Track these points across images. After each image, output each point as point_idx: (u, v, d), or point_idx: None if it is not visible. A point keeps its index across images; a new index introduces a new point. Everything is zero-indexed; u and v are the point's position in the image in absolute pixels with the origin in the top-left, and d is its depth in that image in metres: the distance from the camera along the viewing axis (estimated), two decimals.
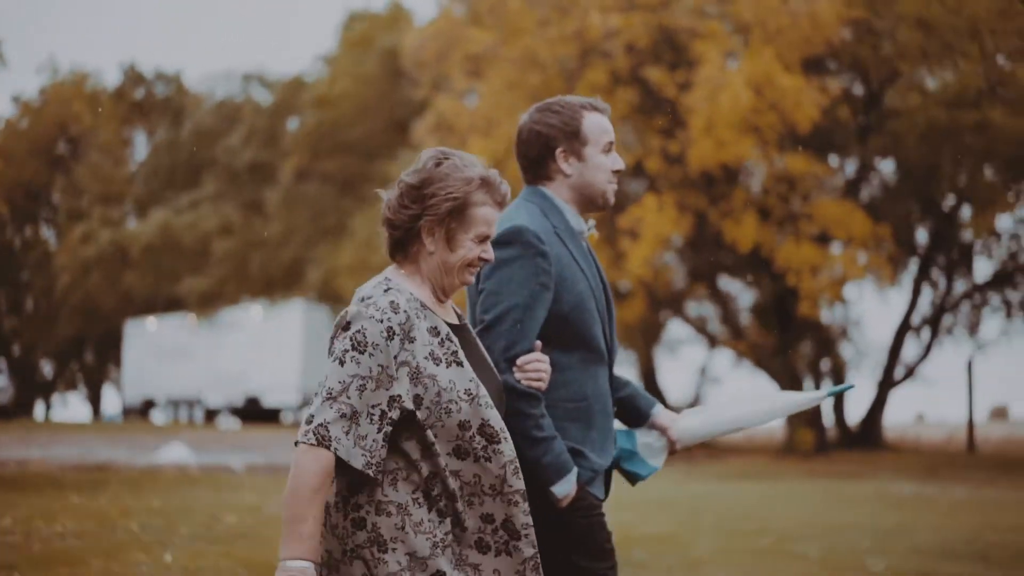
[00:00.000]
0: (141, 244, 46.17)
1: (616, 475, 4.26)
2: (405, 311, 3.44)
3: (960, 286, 36.53)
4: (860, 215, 28.81)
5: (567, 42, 29.08)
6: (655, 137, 28.52)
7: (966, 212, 33.46)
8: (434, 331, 3.50)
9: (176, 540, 10.98)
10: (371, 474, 3.35)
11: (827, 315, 35.12)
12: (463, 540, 3.46)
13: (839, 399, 36.00)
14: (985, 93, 28.17)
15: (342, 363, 3.36)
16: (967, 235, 34.37)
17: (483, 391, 3.49)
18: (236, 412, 45.38)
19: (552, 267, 3.85)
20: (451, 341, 3.52)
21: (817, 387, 34.74)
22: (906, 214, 33.96)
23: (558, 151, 4.04)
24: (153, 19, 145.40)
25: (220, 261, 44.25)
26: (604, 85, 28.51)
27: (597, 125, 4.07)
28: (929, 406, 54.04)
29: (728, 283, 37.68)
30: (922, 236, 35.92)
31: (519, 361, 3.74)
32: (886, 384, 34.96)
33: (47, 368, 61.29)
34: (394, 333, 3.40)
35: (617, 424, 4.27)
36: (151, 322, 49.63)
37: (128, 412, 50.91)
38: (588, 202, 4.11)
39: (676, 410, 4.53)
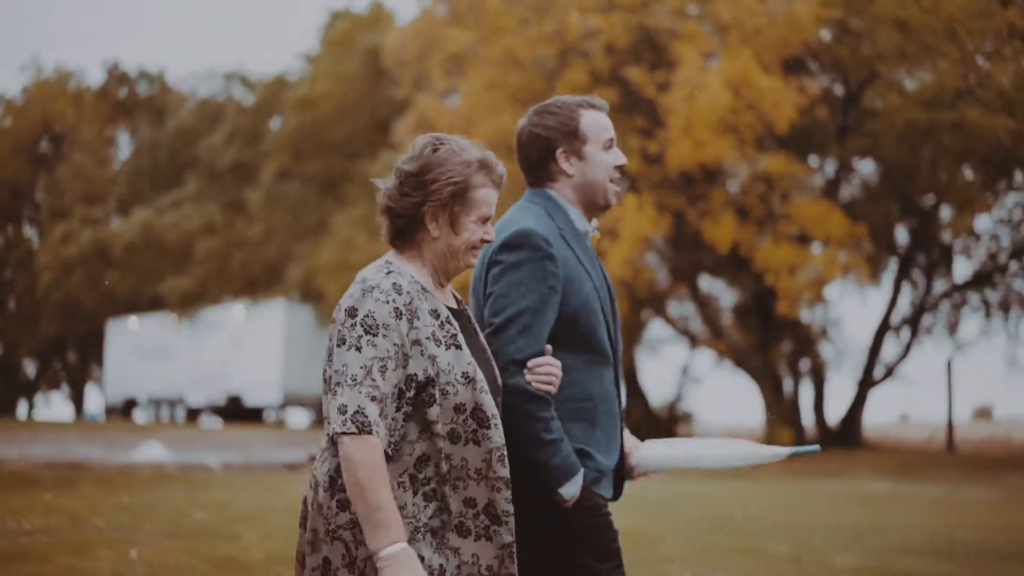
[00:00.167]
0: (123, 243, 46.10)
1: None
2: (408, 292, 3.48)
3: (940, 286, 36.66)
4: (838, 215, 28.91)
5: (547, 42, 29.14)
6: (634, 137, 28.58)
7: (946, 212, 33.57)
8: (434, 314, 3.53)
9: (142, 536, 10.98)
10: (389, 453, 3.39)
11: (807, 315, 35.23)
12: (446, 524, 3.46)
13: (819, 398, 36.13)
14: (963, 93, 28.26)
15: (359, 349, 3.38)
16: (947, 235, 34.48)
17: (480, 375, 3.52)
18: (218, 411, 45.31)
19: (560, 270, 3.86)
20: (451, 324, 3.55)
21: (796, 387, 34.84)
22: (886, 214, 34.06)
23: (558, 152, 4.04)
24: (137, 18, 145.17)
25: (202, 261, 44.21)
26: (584, 85, 28.56)
27: (596, 122, 4.07)
28: (913, 406, 54.09)
29: (711, 283, 37.81)
30: (902, 236, 36.04)
31: (530, 364, 3.75)
32: (866, 384, 35.05)
33: (30, 367, 61.19)
34: (401, 313, 3.44)
35: None
36: (133, 321, 49.53)
37: (110, 411, 50.82)
38: (591, 201, 4.11)
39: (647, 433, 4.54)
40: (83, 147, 55.15)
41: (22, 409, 60.50)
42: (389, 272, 3.52)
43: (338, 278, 36.85)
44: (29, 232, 59.03)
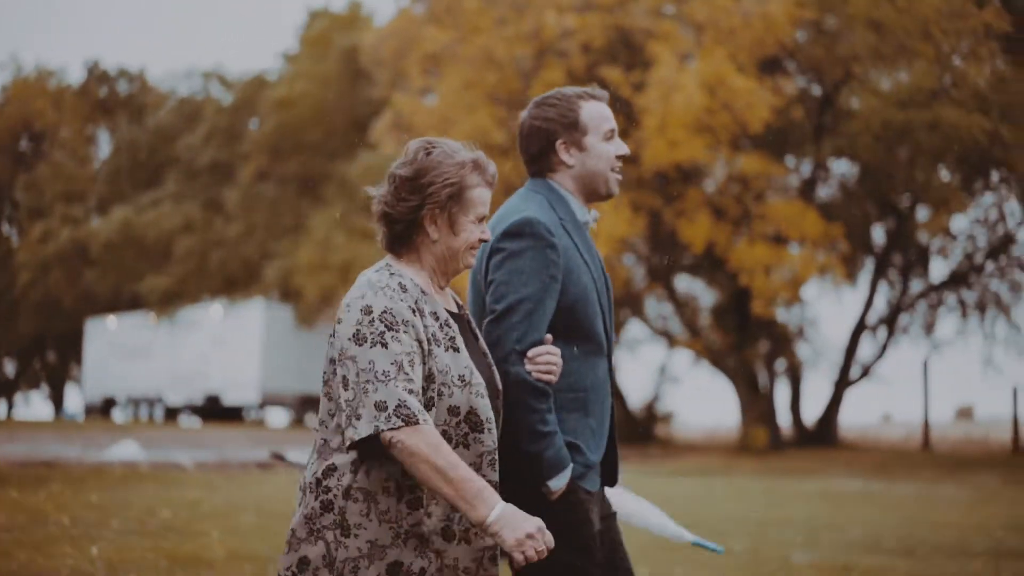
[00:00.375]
0: (101, 242, 46.02)
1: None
2: (411, 292, 3.51)
3: (916, 286, 36.81)
4: (813, 215, 29.03)
5: (523, 41, 29.22)
6: None
7: (923, 212, 33.70)
8: (434, 315, 3.55)
9: (106, 534, 10.99)
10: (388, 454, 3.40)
11: (784, 315, 35.36)
12: (430, 527, 3.46)
13: (796, 397, 36.29)
14: (938, 93, 28.41)
15: (385, 345, 3.38)
16: (924, 235, 34.61)
17: (477, 379, 3.53)
18: (196, 411, 45.26)
19: (561, 259, 3.89)
20: (449, 327, 3.58)
21: (772, 387, 34.95)
22: (862, 214, 34.20)
23: (558, 143, 4.07)
24: (118, 16, 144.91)
25: (181, 260, 44.18)
26: (560, 85, 28.54)
27: (596, 113, 4.10)
28: (896, 406, 54.23)
29: (690, 283, 37.90)
30: (879, 236, 36.19)
31: (530, 353, 3.77)
32: (842, 383, 35.19)
33: (9, 367, 61.02)
34: (415, 310, 3.47)
35: None
36: (111, 321, 49.43)
37: (89, 411, 50.71)
38: (592, 191, 4.14)
39: None
40: (63, 146, 55.03)
41: (1, 408, 60.34)
42: (392, 274, 3.54)
43: (316, 277, 36.91)
44: (8, 231, 58.83)
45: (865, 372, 36.26)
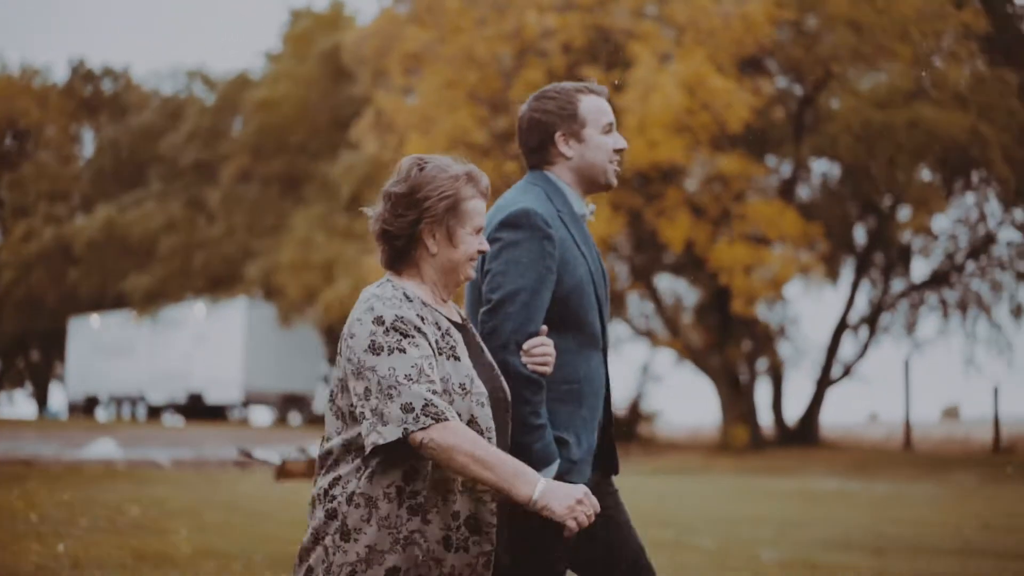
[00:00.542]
0: (84, 240, 45.96)
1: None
2: (414, 303, 3.56)
3: (898, 285, 36.91)
4: (792, 215, 29.09)
5: (504, 41, 29.24)
6: None
7: (904, 212, 33.79)
8: (435, 325, 3.59)
9: (74, 531, 10.99)
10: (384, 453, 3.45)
11: (765, 314, 35.44)
12: (430, 536, 3.48)
13: (777, 397, 36.35)
14: (917, 93, 28.49)
15: (403, 351, 3.43)
16: (905, 235, 34.70)
17: (478, 387, 3.57)
18: (180, 409, 45.22)
19: (557, 251, 3.93)
20: (450, 336, 3.61)
21: (752, 384, 34.99)
22: (844, 214, 34.30)
23: (558, 135, 4.11)
24: (104, 14, 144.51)
25: (164, 258, 44.14)
26: (541, 84, 28.53)
27: (595, 106, 4.14)
28: (883, 405, 54.38)
29: (674, 282, 37.95)
30: (860, 236, 36.27)
31: (525, 345, 3.81)
32: (823, 382, 35.27)
33: None
34: (422, 318, 3.53)
35: None
36: (94, 319, 49.37)
37: (73, 409, 50.64)
38: (591, 183, 4.18)
39: None
40: (47, 144, 54.91)
41: None
42: (394, 287, 3.60)
43: (298, 276, 36.89)
44: None
45: (847, 371, 36.36)
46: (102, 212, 46.16)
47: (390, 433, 3.36)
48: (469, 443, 3.35)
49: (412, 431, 3.34)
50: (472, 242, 3.68)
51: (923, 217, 32.08)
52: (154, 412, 46.46)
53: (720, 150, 28.83)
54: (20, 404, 62.05)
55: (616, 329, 39.52)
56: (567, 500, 3.37)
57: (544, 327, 3.85)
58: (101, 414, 48.74)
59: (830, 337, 35.44)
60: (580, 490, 3.40)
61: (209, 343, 43.25)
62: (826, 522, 14.54)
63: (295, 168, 41.35)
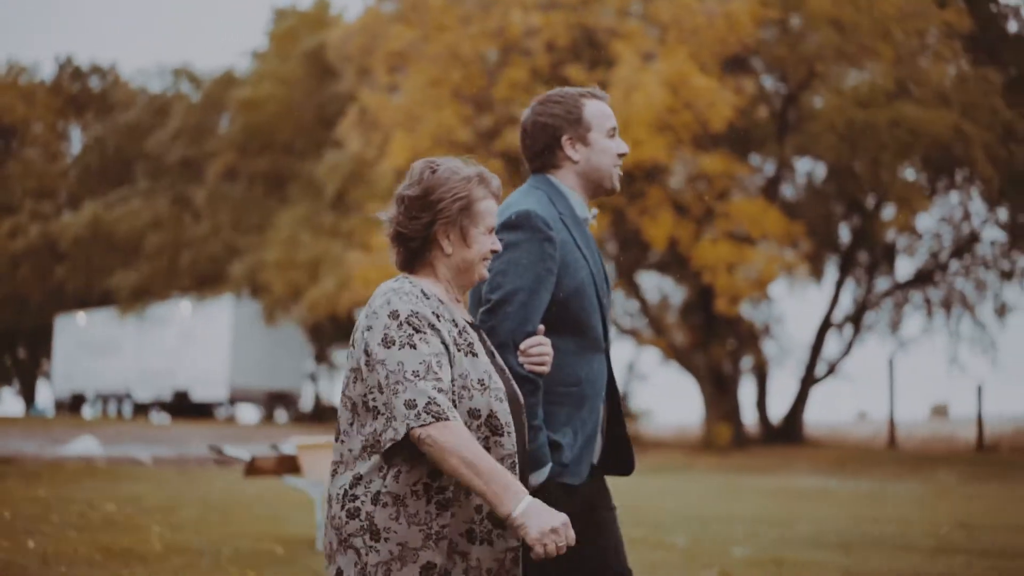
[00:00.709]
0: (70, 237, 45.92)
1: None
2: (430, 300, 3.59)
3: (882, 284, 37.00)
4: (775, 213, 29.15)
5: (489, 39, 29.27)
6: None
7: (888, 211, 33.86)
8: (452, 322, 3.62)
9: (45, 528, 11.03)
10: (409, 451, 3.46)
11: (750, 312, 35.51)
12: (455, 530, 3.50)
13: (762, 395, 36.43)
14: (899, 92, 28.55)
15: (414, 347, 3.45)
16: (890, 234, 34.77)
17: (496, 383, 3.59)
18: (165, 407, 45.19)
19: (557, 252, 3.94)
20: (468, 333, 3.65)
21: (736, 383, 35.04)
22: (828, 213, 34.37)
23: (564, 138, 4.13)
24: (92, 11, 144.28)
25: (150, 256, 44.11)
26: (525, 83, 28.73)
27: (599, 111, 4.17)
28: (872, 404, 54.51)
29: (661, 280, 38.02)
30: (845, 234, 36.36)
31: (522, 345, 3.82)
32: (808, 381, 35.34)
33: None
34: (439, 315, 3.55)
35: None
36: (81, 317, 49.32)
37: (59, 406, 50.58)
38: (596, 186, 4.20)
39: None
40: (33, 142, 54.82)
41: None
42: (411, 283, 3.62)
43: (283, 275, 36.88)
44: None
45: (831, 370, 36.44)
46: (88, 209, 46.10)
47: (400, 430, 3.39)
48: (464, 446, 3.36)
49: (412, 427, 3.36)
50: (485, 241, 3.72)
51: (907, 216, 32.15)
52: (141, 410, 46.42)
53: (703, 149, 28.87)
54: (7, 402, 62.03)
55: None
56: (544, 525, 3.34)
57: (541, 327, 3.88)
58: (87, 412, 48.69)
59: (815, 336, 35.52)
60: (560, 519, 3.37)
61: (195, 341, 43.23)
62: (802, 520, 14.60)
63: (280, 167, 41.35)
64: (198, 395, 43.27)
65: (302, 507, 13.39)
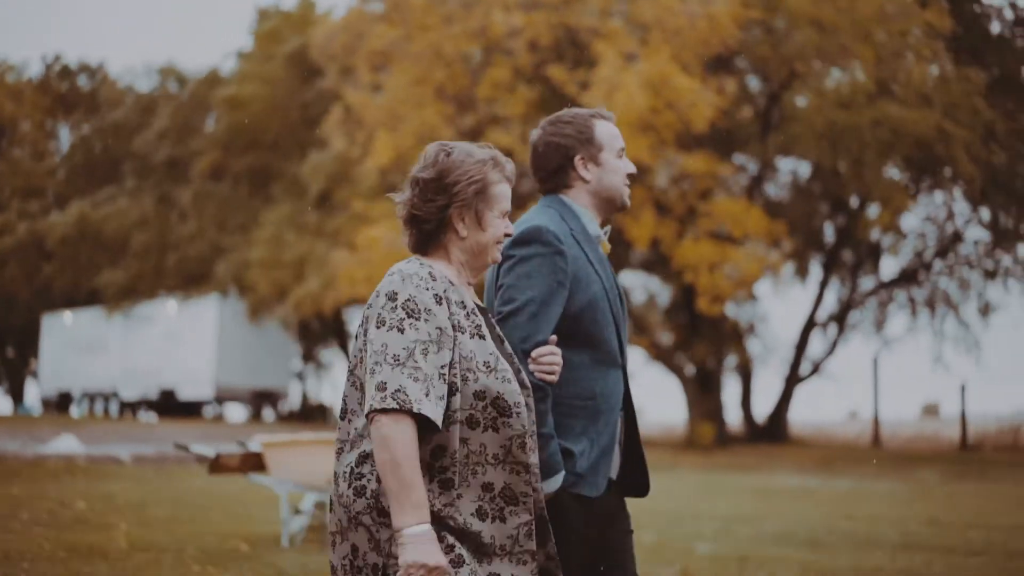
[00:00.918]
0: (57, 236, 45.90)
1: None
2: (440, 282, 3.62)
3: (866, 283, 37.10)
4: (757, 212, 29.20)
5: (471, 39, 29.30)
6: None
7: (872, 210, 33.94)
8: (460, 304, 3.64)
9: (14, 525, 11.08)
10: (440, 427, 3.47)
11: (734, 311, 35.57)
12: (463, 509, 3.52)
13: (746, 394, 36.50)
14: (881, 92, 28.60)
15: (402, 331, 3.48)
16: (874, 233, 34.85)
17: (503, 364, 3.60)
18: (153, 406, 45.18)
19: (569, 267, 3.97)
20: (475, 315, 3.67)
21: (719, 382, 35.09)
22: (812, 212, 34.44)
23: (576, 158, 4.18)
24: (80, 10, 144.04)
25: (137, 255, 44.11)
26: (507, 82, 28.79)
27: (609, 132, 4.23)
28: (863, 403, 54.74)
29: (647, 280, 38.07)
30: (830, 233, 36.44)
31: (533, 354, 3.84)
32: (792, 380, 35.42)
33: None
34: (441, 298, 3.57)
35: None
36: (67, 316, 49.32)
37: (46, 405, 50.57)
38: (607, 204, 4.26)
39: None
40: (21, 140, 54.75)
41: None
42: (421, 264, 3.66)
43: (268, 274, 36.89)
44: None
45: (815, 369, 36.53)
46: (75, 208, 46.09)
47: (366, 407, 3.44)
48: (402, 445, 3.36)
49: (375, 408, 3.38)
50: (500, 225, 3.76)
51: (891, 215, 32.24)
52: (129, 409, 46.43)
53: (686, 149, 28.92)
54: None
55: None
56: (420, 558, 3.33)
57: (553, 337, 3.91)
58: (74, 411, 48.68)
59: (799, 335, 35.61)
60: (438, 563, 3.36)
61: (181, 340, 43.24)
62: (775, 517, 14.66)
63: (265, 166, 41.37)
64: (184, 394, 43.28)
65: (271, 504, 13.43)
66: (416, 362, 3.45)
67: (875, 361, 36.37)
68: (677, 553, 10.97)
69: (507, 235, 3.81)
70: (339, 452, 3.63)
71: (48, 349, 50.26)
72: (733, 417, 35.81)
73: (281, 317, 38.55)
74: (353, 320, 48.43)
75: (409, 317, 3.49)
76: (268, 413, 45.22)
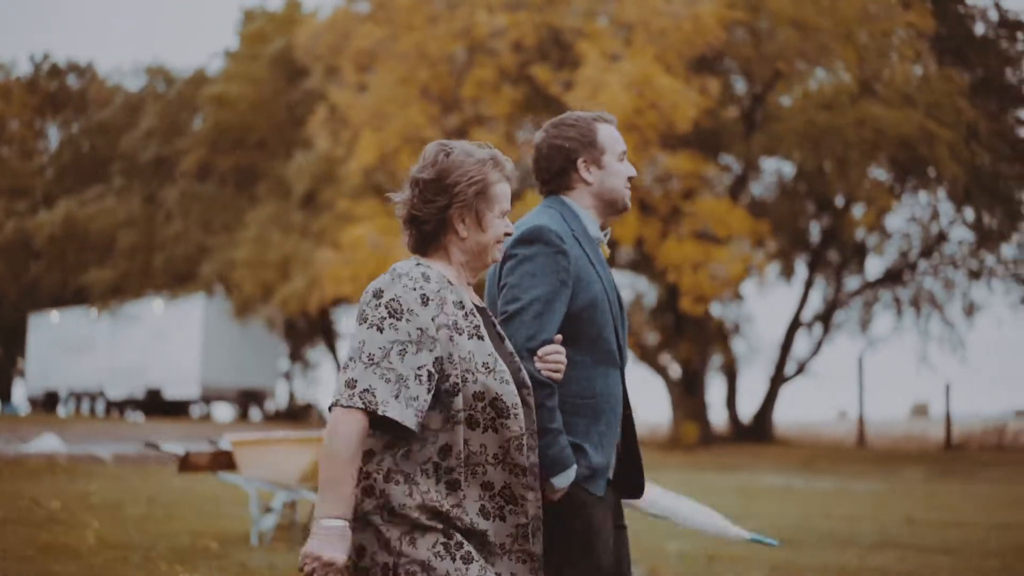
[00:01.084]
0: (44, 235, 45.87)
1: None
2: (436, 282, 3.60)
3: (852, 283, 37.17)
4: (740, 212, 29.24)
5: (455, 39, 29.32)
6: None
7: (858, 210, 34.00)
8: (459, 304, 3.63)
9: None
10: (415, 430, 3.46)
11: (719, 311, 35.62)
12: (469, 509, 3.54)
13: (731, 394, 36.54)
14: (864, 92, 28.66)
15: (380, 330, 3.48)
16: (859, 233, 34.92)
17: (501, 365, 3.61)
18: (139, 405, 45.17)
19: (572, 267, 3.99)
20: (474, 316, 3.66)
21: (703, 381, 35.14)
22: (797, 212, 34.49)
23: (579, 161, 4.21)
24: (71, 9, 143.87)
25: (123, 255, 44.10)
26: (492, 82, 28.81)
27: (610, 135, 4.26)
28: (853, 403, 54.83)
29: (634, 280, 38.09)
30: (815, 233, 36.49)
31: (539, 352, 3.86)
32: (777, 379, 35.46)
33: None
34: (428, 299, 3.55)
35: None
36: (54, 315, 49.29)
37: (34, 404, 50.54)
38: (609, 207, 4.28)
39: None
40: (9, 139, 54.69)
41: None
42: (418, 264, 3.65)
43: (254, 273, 36.90)
44: None
45: (800, 369, 36.59)
46: (62, 207, 46.07)
47: (331, 400, 3.46)
48: (342, 442, 3.38)
49: (339, 403, 3.40)
50: (500, 225, 3.76)
51: (875, 215, 32.31)
52: (116, 408, 46.40)
53: (670, 149, 28.94)
54: None
55: None
56: (322, 551, 3.35)
57: (558, 336, 3.93)
58: (61, 410, 48.65)
59: (784, 334, 35.66)
60: (334, 558, 3.36)
61: (167, 339, 43.24)
62: (752, 516, 14.67)
63: (251, 165, 41.38)
64: (170, 393, 43.27)
65: (244, 502, 13.43)
66: (390, 362, 3.45)
67: (860, 361, 36.46)
68: (646, 552, 10.99)
69: (507, 234, 3.82)
70: None
71: (35, 348, 50.24)
72: (718, 417, 35.87)
73: (266, 316, 38.56)
74: (340, 320, 48.52)
75: (390, 316, 3.49)
76: (256, 412, 45.21)
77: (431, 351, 3.51)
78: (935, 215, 34.94)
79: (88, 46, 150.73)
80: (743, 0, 28.65)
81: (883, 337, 37.33)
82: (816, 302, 37.12)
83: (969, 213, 33.51)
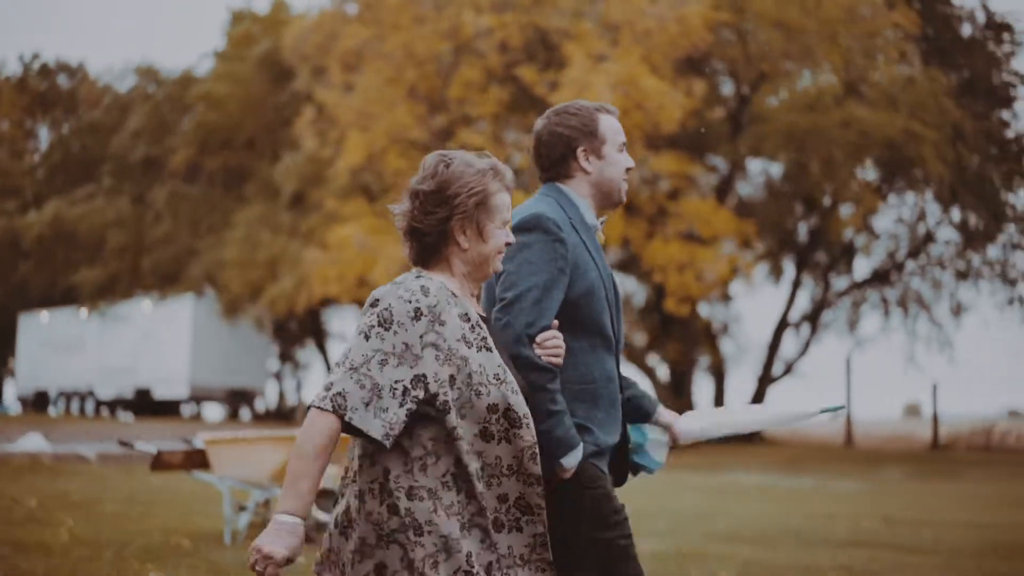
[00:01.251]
0: (33, 235, 45.86)
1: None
2: (435, 296, 3.57)
3: (839, 283, 37.24)
4: (725, 213, 29.31)
5: (442, 39, 29.38)
6: (526, 135, 28.86)
7: (846, 210, 34.07)
8: (464, 317, 3.63)
9: None
10: (387, 445, 3.45)
11: (707, 311, 35.67)
12: (484, 519, 3.55)
13: (719, 393, 36.59)
14: (849, 93, 28.74)
15: (367, 338, 3.50)
16: (847, 233, 35.00)
17: (511, 377, 3.62)
18: (129, 405, 45.17)
19: (569, 253, 4.01)
20: (480, 328, 3.65)
21: (690, 381, 35.24)
22: (784, 212, 34.55)
23: (579, 150, 4.22)
24: (60, 8, 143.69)
25: (113, 255, 44.10)
26: (479, 82, 28.86)
27: (611, 126, 4.27)
28: (851, 404, 54.96)
29: (624, 280, 38.11)
30: (803, 233, 36.56)
31: (539, 338, 3.89)
32: (765, 379, 35.52)
33: None
34: (421, 314, 3.53)
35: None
36: (44, 315, 49.29)
37: (24, 404, 50.55)
38: (606, 197, 4.29)
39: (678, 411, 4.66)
40: (0, 139, 54.62)
41: None
42: (419, 276, 3.64)
43: (242, 273, 36.93)
44: None
45: (788, 369, 36.65)
46: (51, 207, 46.05)
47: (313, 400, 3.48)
48: (319, 442, 3.42)
49: (314, 404, 3.44)
50: (500, 235, 3.76)
51: (857, 215, 32.40)
52: (107, 408, 46.40)
53: (655, 149, 28.99)
54: None
55: None
56: (273, 546, 3.37)
57: (556, 322, 3.97)
58: (52, 410, 48.64)
59: (772, 334, 35.72)
60: (282, 553, 3.37)
61: (156, 339, 43.26)
62: (730, 516, 14.74)
63: (239, 166, 41.40)
64: (159, 393, 43.29)
65: (220, 501, 13.46)
66: (369, 370, 3.47)
67: (848, 361, 36.54)
68: None
69: (508, 244, 3.83)
70: (360, 467, 3.60)
71: (25, 348, 50.25)
72: None
73: (254, 316, 38.58)
74: (330, 320, 48.58)
75: (379, 326, 3.51)
76: (245, 412, 45.23)
77: (411, 368, 3.50)
78: (922, 216, 35.06)
79: (78, 46, 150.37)
80: (728, 1, 28.70)
81: (871, 337, 37.47)
82: (804, 302, 37.25)
83: (956, 214, 33.61)
